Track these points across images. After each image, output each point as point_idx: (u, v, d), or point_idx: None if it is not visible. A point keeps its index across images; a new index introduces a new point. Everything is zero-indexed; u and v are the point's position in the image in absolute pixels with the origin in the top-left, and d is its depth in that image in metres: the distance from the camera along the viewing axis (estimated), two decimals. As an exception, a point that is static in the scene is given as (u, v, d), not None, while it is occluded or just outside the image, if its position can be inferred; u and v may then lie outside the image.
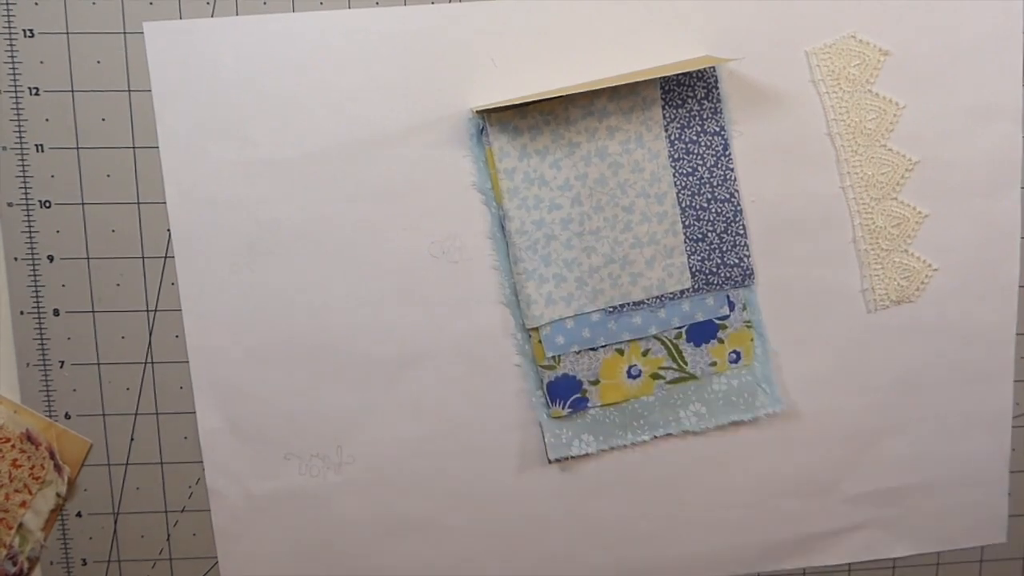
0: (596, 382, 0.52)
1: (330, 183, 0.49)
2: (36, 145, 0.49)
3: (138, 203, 0.50)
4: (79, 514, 0.53)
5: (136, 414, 0.52)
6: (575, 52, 0.48)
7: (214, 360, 0.51)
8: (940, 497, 0.55)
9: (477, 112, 0.48)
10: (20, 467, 0.51)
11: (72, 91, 0.48)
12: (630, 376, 0.52)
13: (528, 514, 0.54)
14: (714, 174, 0.50)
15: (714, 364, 0.52)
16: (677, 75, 0.49)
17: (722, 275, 0.51)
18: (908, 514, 0.56)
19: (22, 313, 0.51)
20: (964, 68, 0.50)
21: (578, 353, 0.51)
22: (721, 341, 0.52)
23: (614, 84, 0.45)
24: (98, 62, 0.48)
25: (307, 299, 0.50)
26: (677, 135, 0.50)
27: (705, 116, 0.50)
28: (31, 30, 0.47)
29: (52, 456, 0.51)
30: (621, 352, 0.52)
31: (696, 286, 0.51)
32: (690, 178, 0.50)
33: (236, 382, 0.51)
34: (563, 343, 0.51)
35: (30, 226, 0.50)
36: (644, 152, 0.50)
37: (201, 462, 0.53)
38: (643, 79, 0.45)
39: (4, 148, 0.49)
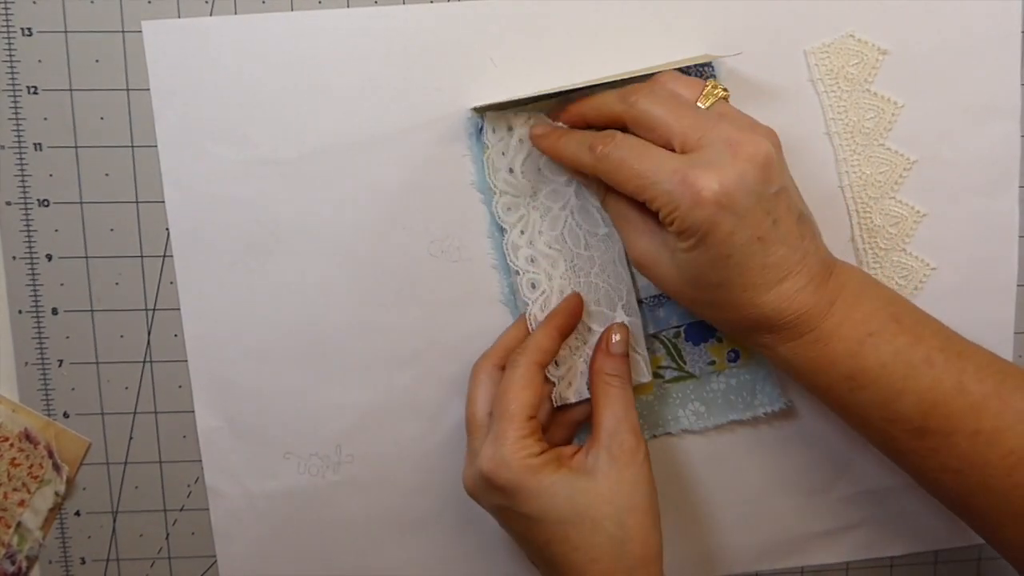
0: (595, 381, 0.52)
1: (330, 183, 0.49)
2: (34, 144, 0.49)
3: (137, 202, 0.50)
4: (78, 513, 0.53)
5: (135, 413, 0.52)
6: (575, 52, 0.48)
7: (213, 359, 0.51)
8: (938, 495, 0.56)
9: (476, 111, 0.48)
10: (18, 466, 0.51)
11: (70, 90, 0.48)
12: (629, 375, 0.52)
13: (527, 513, 0.54)
14: (713, 173, 0.50)
15: (713, 363, 0.52)
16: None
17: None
18: (906, 512, 0.56)
19: (20, 312, 0.51)
20: (963, 68, 0.50)
21: (577, 352, 0.52)
22: (720, 340, 0.52)
23: (613, 80, 0.45)
24: (96, 61, 0.48)
25: (307, 299, 0.50)
26: (676, 134, 0.49)
27: (704, 115, 0.49)
28: (29, 29, 0.47)
29: (51, 455, 0.51)
30: (620, 351, 0.52)
31: (695, 285, 0.51)
32: (689, 177, 0.50)
33: (235, 381, 0.51)
34: (562, 342, 0.51)
35: (28, 225, 0.50)
36: (643, 151, 0.49)
37: (200, 461, 0.53)
38: (641, 74, 0.45)
39: (2, 147, 0.49)
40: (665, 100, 0.43)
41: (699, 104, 0.43)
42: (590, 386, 0.48)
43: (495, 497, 0.45)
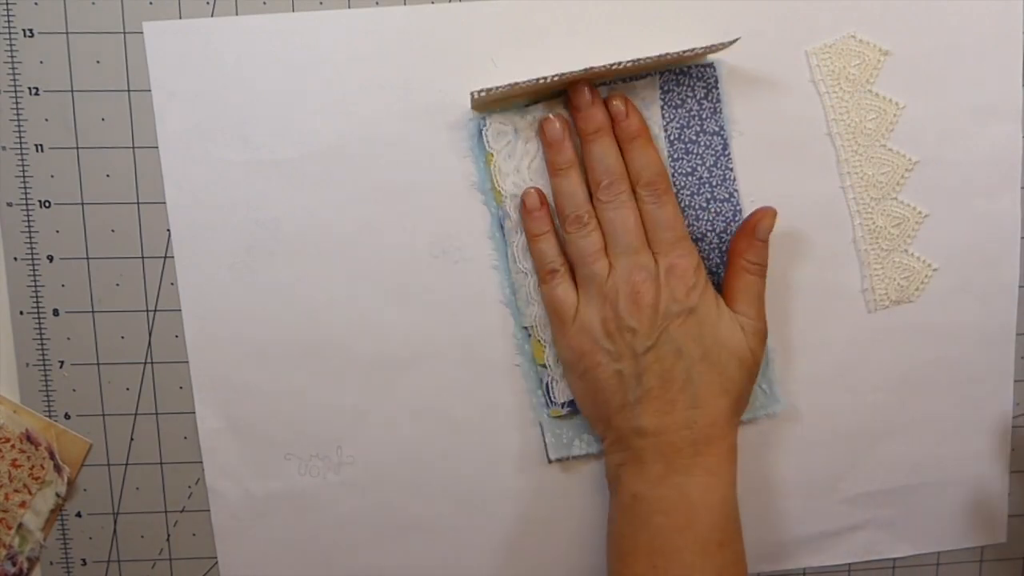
0: (596, 382, 0.52)
1: (330, 183, 0.49)
2: (36, 145, 0.49)
3: (138, 203, 0.50)
4: (79, 514, 0.53)
5: (136, 414, 0.52)
6: (575, 52, 0.48)
7: (214, 360, 0.51)
8: (940, 497, 0.55)
9: (475, 104, 0.48)
10: (20, 467, 0.51)
11: (72, 91, 0.48)
12: (630, 376, 0.52)
13: (528, 514, 0.54)
14: (714, 174, 0.50)
15: (714, 364, 0.52)
16: (676, 75, 0.49)
17: (722, 275, 0.51)
18: (908, 514, 0.56)
19: (22, 313, 0.51)
20: (964, 68, 0.50)
21: (578, 353, 0.51)
22: (721, 341, 0.52)
23: (616, 72, 0.45)
24: (98, 62, 0.48)
25: (307, 299, 0.50)
26: (676, 135, 0.49)
27: (704, 116, 0.50)
28: (31, 30, 0.47)
29: (52, 456, 0.51)
30: (621, 352, 0.52)
31: (696, 286, 0.51)
32: (689, 178, 0.50)
33: (236, 382, 0.51)
34: (563, 343, 0.51)
35: (30, 226, 0.50)
36: (644, 152, 0.49)
37: (201, 462, 0.53)
38: (642, 73, 0.45)
39: (4, 148, 0.49)
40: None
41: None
42: (727, 265, 0.49)
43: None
